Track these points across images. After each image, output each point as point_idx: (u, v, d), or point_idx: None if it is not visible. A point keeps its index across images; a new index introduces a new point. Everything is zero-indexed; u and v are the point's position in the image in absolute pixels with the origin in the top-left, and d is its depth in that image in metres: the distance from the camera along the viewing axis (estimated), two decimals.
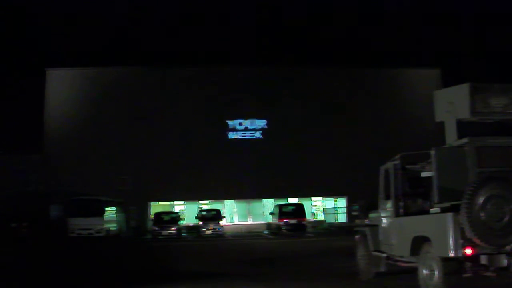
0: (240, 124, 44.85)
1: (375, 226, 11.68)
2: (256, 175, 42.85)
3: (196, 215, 37.88)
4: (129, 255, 23.17)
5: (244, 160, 43.11)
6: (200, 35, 63.53)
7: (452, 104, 9.89)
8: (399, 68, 48.70)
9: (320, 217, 45.29)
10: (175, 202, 44.48)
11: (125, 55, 52.27)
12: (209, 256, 20.96)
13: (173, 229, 34.26)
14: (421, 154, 10.20)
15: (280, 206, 37.05)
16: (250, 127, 44.90)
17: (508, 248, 8.47)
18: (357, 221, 16.27)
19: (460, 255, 8.49)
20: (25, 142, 42.88)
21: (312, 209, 45.64)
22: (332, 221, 44.26)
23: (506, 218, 8.43)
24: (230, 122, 44.77)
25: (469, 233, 8.36)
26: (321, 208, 46.62)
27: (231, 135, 44.64)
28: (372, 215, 12.30)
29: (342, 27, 60.77)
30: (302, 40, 61.11)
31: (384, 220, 11.19)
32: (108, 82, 44.42)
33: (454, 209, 8.64)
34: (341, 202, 46.17)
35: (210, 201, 44.34)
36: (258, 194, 44.20)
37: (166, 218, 35.63)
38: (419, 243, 9.45)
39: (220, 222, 36.04)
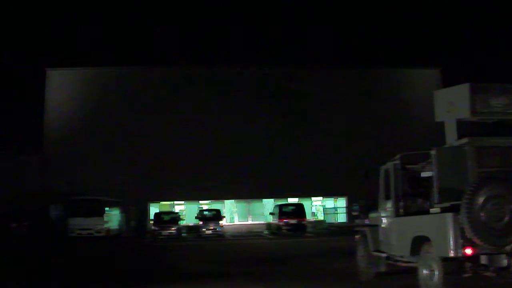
0: (240, 123, 44.79)
1: (375, 226, 11.68)
2: (256, 175, 42.86)
3: (196, 215, 37.86)
4: (129, 255, 23.14)
5: (244, 160, 43.10)
6: (200, 35, 63.61)
7: (452, 104, 9.88)
8: (399, 68, 48.71)
9: (320, 217, 45.28)
10: (175, 202, 44.50)
11: (125, 55, 52.31)
12: (209, 256, 20.93)
13: (173, 229, 34.17)
14: (421, 154, 10.19)
15: (280, 206, 37.05)
16: (250, 127, 44.85)
17: (508, 248, 8.46)
18: (357, 221, 16.22)
19: (460, 255, 8.48)
20: (25, 142, 42.87)
21: (312, 209, 45.65)
22: (332, 221, 44.23)
23: (506, 218, 8.42)
24: (230, 122, 44.72)
25: (469, 233, 8.36)
26: (321, 208, 46.62)
27: (231, 135, 44.60)
28: (372, 215, 12.29)
29: (342, 27, 60.84)
30: (302, 40, 61.20)
31: (384, 220, 11.19)
32: (108, 82, 44.44)
33: (454, 209, 8.63)
34: (341, 202, 46.17)
35: (210, 201, 44.34)
36: (258, 194, 44.18)
37: (166, 218, 35.57)
38: (419, 243, 9.44)
39: (220, 222, 36.02)
